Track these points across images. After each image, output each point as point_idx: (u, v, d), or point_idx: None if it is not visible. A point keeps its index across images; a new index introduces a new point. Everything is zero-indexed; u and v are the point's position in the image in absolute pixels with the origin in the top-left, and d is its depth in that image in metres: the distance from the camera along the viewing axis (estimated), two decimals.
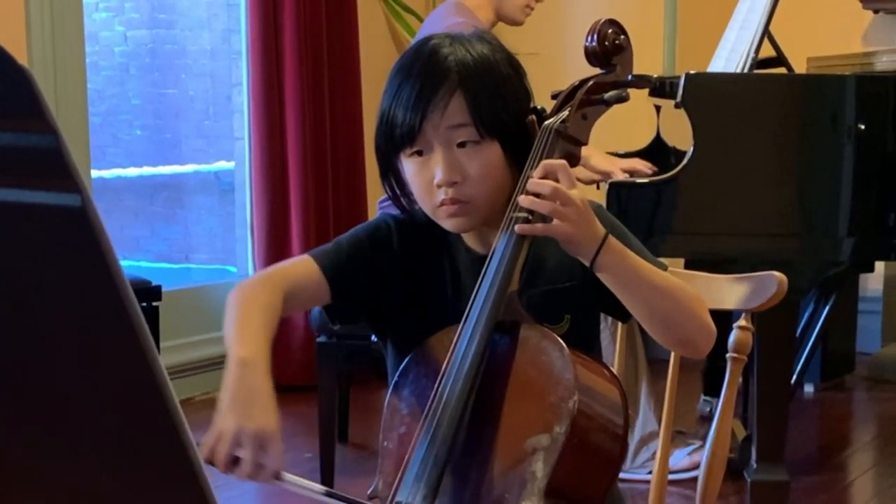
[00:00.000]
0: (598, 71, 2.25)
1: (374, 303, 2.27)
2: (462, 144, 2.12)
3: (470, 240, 2.23)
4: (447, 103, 2.10)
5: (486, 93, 2.12)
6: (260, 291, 2.18)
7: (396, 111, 2.13)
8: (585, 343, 2.13)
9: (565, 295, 2.14)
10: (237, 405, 1.93)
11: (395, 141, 2.15)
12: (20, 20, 5.15)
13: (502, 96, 2.14)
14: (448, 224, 2.18)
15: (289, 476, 1.92)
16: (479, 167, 2.12)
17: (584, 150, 2.25)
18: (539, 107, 2.21)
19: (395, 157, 2.19)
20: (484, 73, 2.13)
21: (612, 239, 2.02)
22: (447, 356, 2.05)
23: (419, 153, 2.14)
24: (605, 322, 2.60)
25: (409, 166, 2.16)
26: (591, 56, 2.25)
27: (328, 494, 1.93)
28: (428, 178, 2.13)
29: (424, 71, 2.13)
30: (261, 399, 1.95)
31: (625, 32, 2.26)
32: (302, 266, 2.25)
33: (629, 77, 2.25)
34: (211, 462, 1.89)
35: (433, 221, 2.24)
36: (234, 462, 1.90)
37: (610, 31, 2.24)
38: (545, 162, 2.05)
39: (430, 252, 2.26)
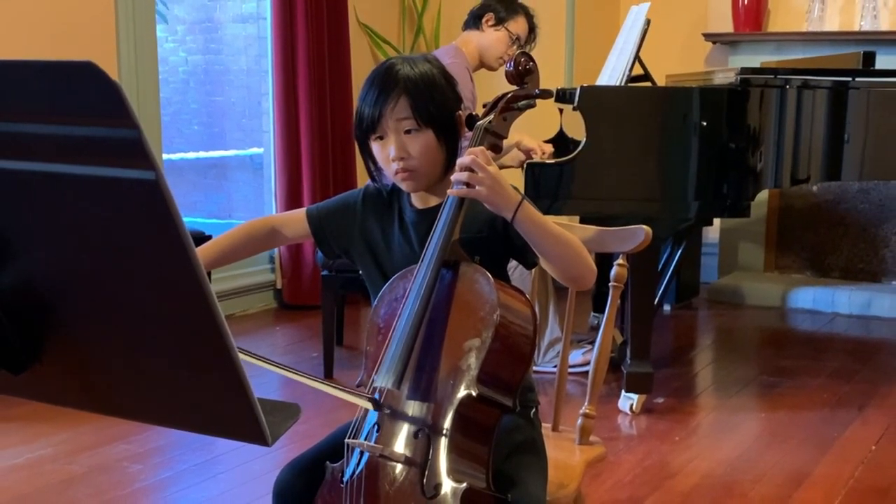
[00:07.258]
0: (514, 87, 2.25)
1: (345, 243, 2.32)
2: (408, 131, 2.14)
3: (416, 200, 2.25)
4: (396, 103, 2.12)
5: (422, 95, 2.13)
6: (248, 224, 2.35)
7: (364, 109, 2.16)
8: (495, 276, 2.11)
9: (477, 242, 2.12)
10: None
11: (364, 129, 2.17)
12: (112, 49, 5.14)
13: (434, 98, 2.15)
14: (404, 186, 2.21)
15: None
16: (419, 147, 2.14)
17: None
18: (474, 113, 2.23)
19: (366, 141, 2.20)
20: (421, 82, 2.14)
21: (526, 202, 2.03)
22: (409, 285, 2.06)
23: (380, 137, 2.16)
24: None
25: (375, 147, 2.19)
26: (510, 77, 2.24)
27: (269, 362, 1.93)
28: (386, 154, 2.16)
29: (382, 81, 2.14)
30: None
31: (533, 60, 2.25)
32: (295, 213, 2.37)
33: (536, 91, 2.25)
34: None
35: (394, 189, 2.29)
36: None
37: (523, 59, 2.24)
38: (470, 149, 2.09)
39: (385, 210, 2.29)
